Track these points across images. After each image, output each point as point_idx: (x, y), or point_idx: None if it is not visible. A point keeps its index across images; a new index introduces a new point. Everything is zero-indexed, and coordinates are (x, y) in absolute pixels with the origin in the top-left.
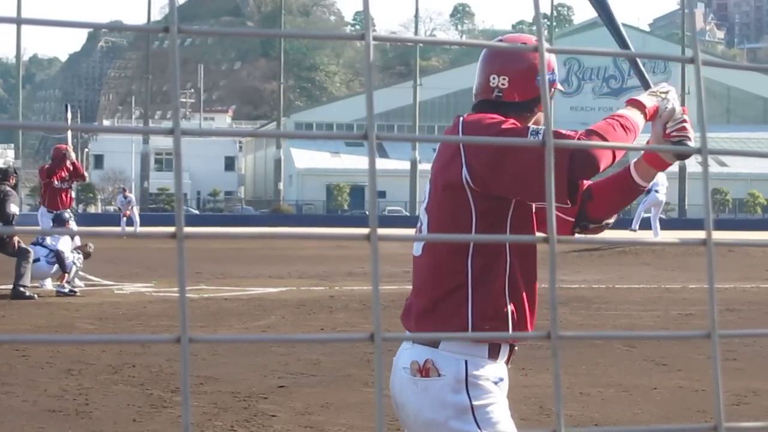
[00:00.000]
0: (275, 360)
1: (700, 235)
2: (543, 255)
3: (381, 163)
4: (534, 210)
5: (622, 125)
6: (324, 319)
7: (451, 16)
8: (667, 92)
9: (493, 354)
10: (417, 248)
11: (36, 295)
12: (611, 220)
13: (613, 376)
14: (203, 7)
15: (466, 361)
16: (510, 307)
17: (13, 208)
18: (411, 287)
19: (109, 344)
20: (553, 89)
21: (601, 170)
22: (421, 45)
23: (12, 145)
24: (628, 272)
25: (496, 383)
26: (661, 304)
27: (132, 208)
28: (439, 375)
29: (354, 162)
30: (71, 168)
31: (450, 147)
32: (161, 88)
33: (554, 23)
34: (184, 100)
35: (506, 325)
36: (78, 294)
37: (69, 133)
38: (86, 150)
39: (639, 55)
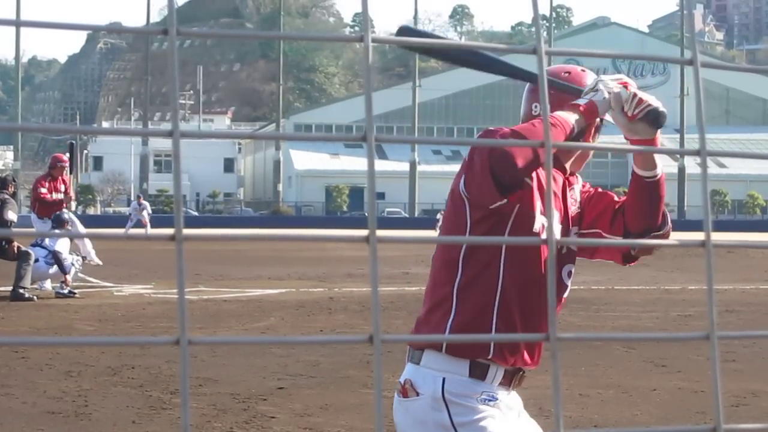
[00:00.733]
0: (274, 361)
1: (699, 236)
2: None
3: (380, 165)
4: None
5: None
6: (323, 320)
7: (451, 17)
8: (595, 85)
9: (477, 374)
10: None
11: (35, 297)
12: (662, 231)
13: (613, 377)
14: (202, 8)
15: (443, 379)
16: (496, 325)
17: (11, 216)
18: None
19: (108, 346)
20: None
21: (521, 167)
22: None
23: (11, 147)
24: (627, 273)
25: (486, 401)
26: (660, 305)
27: (145, 213)
28: (418, 394)
29: (353, 163)
30: (66, 182)
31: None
32: (160, 90)
33: (553, 24)
34: (183, 101)
35: (487, 344)
36: (77, 296)
37: (67, 170)
38: (85, 152)
39: (639, 57)
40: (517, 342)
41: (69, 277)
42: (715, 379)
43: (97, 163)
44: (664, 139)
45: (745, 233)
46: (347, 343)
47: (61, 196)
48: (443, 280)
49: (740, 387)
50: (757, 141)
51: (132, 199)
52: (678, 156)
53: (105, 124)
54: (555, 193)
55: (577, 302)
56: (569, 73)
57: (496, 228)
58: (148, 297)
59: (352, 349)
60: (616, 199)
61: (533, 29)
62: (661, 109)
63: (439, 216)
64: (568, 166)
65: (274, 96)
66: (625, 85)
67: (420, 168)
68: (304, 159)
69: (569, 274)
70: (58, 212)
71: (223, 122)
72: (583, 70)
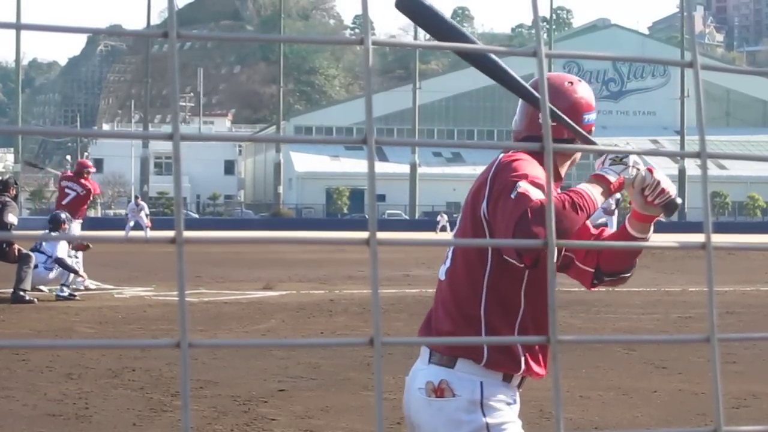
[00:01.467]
0: (275, 364)
1: (699, 238)
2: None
3: (380, 167)
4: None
5: (575, 204)
6: (324, 322)
7: (451, 18)
8: (624, 158)
9: (507, 378)
10: (441, 272)
11: (36, 299)
12: (628, 274)
13: (613, 379)
14: (202, 11)
15: (481, 383)
16: (521, 346)
17: (11, 218)
18: (433, 303)
19: (108, 348)
20: (591, 130)
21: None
22: (420, 49)
23: (11, 149)
24: None
25: (509, 404)
26: (660, 307)
27: (143, 214)
28: (454, 395)
29: (353, 165)
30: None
31: (482, 176)
32: (161, 92)
33: (553, 26)
34: (183, 103)
35: (518, 360)
36: (77, 298)
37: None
38: (86, 154)
39: (639, 59)
40: (538, 357)
41: (82, 273)
42: (716, 381)
43: (98, 165)
44: (665, 140)
45: (746, 235)
46: (348, 346)
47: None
48: (469, 298)
49: (741, 389)
50: (757, 142)
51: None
52: (678, 158)
53: (105, 127)
54: None
55: (577, 304)
56: (572, 83)
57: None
58: (149, 299)
59: (353, 351)
60: (592, 231)
61: (533, 31)
62: (678, 200)
63: (439, 218)
64: (563, 171)
65: (275, 98)
66: (650, 170)
67: (420, 170)
68: (305, 161)
69: None
70: (55, 212)
71: (223, 124)
72: (580, 81)
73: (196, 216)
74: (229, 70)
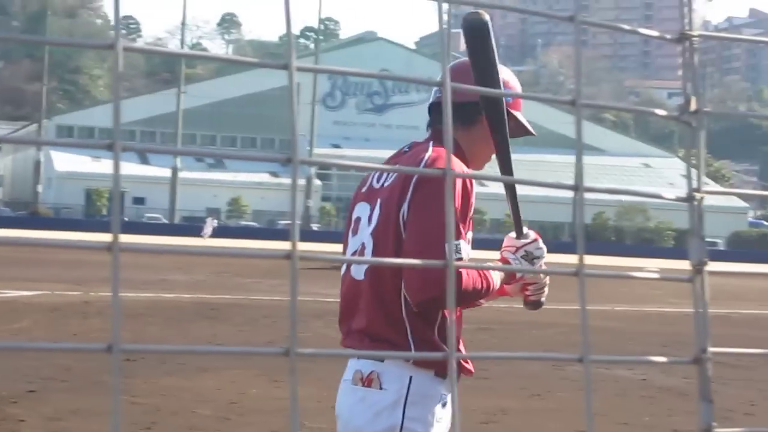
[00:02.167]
0: (26, 364)
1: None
2: None
3: (141, 170)
4: None
5: (478, 291)
6: (77, 324)
7: (218, 24)
8: (534, 254)
9: (441, 371)
10: (358, 272)
11: None
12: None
13: None
14: None
15: (411, 377)
16: (441, 340)
17: None
18: (344, 302)
19: None
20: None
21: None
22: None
23: None
24: None
25: (440, 405)
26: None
27: None
28: (381, 388)
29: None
30: None
31: (401, 175)
32: None
33: (321, 37)
34: None
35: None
36: None
37: None
38: None
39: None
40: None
41: None
42: (589, 402)
43: None
44: None
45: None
46: (261, 355)
47: None
48: (393, 300)
49: (492, 404)
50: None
51: None
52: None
53: None
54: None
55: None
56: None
57: None
58: None
59: (105, 354)
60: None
61: (301, 41)
62: (544, 302)
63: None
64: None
65: (38, 96)
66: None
67: (181, 174)
68: (65, 161)
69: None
70: None
71: None
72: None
73: None
74: None
